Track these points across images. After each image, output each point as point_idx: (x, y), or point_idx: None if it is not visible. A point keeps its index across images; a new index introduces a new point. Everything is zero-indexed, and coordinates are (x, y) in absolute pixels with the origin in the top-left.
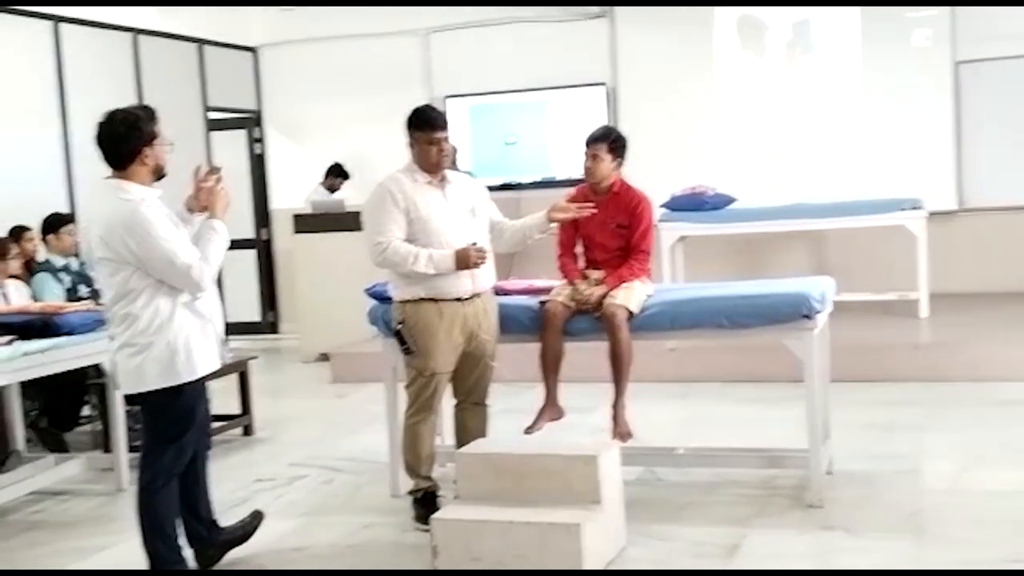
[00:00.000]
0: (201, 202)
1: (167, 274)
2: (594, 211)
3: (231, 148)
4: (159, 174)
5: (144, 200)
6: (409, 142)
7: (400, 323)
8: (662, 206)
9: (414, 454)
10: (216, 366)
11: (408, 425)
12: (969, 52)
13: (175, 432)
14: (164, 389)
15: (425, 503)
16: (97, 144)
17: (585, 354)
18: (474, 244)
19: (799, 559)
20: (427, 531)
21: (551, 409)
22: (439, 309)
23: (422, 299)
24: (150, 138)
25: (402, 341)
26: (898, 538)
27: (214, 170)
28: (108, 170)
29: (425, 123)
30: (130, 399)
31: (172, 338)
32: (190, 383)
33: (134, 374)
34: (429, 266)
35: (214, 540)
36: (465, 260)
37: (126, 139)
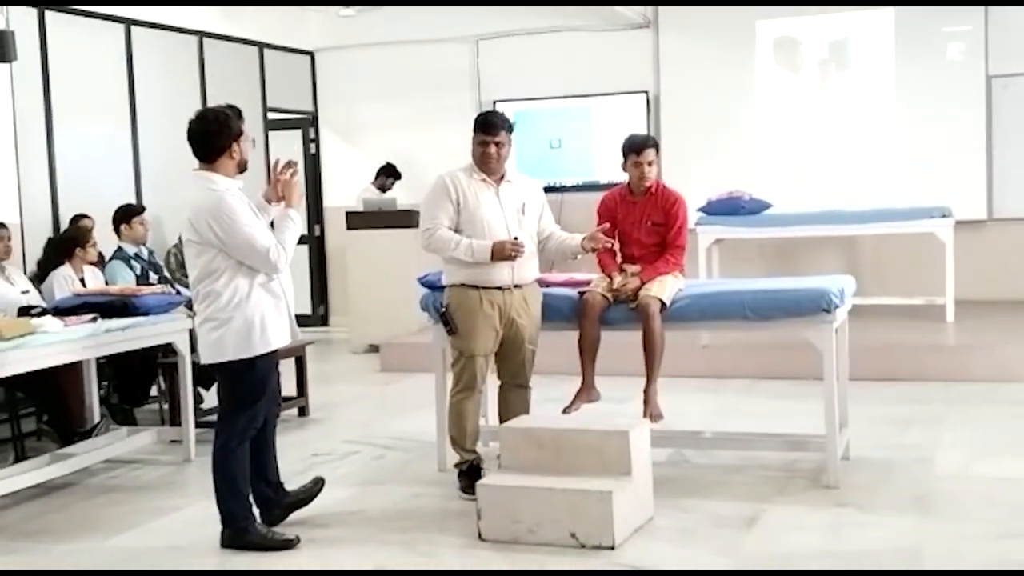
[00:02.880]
0: (278, 193)
1: (247, 256)
2: (611, 241)
3: (288, 148)
4: (243, 168)
5: (229, 190)
6: (473, 141)
7: (445, 306)
8: (700, 210)
9: (459, 428)
10: (287, 341)
11: (453, 402)
12: (1001, 67)
13: (249, 399)
14: (241, 360)
15: (469, 475)
16: (188, 138)
17: (620, 348)
18: (515, 238)
19: (812, 531)
20: (471, 500)
21: (587, 392)
22: (480, 296)
23: (465, 285)
24: (238, 134)
25: (446, 323)
26: (905, 515)
27: (291, 164)
28: (174, 163)
29: (479, 125)
30: (209, 368)
31: (249, 314)
32: (264, 355)
33: (215, 346)
34: (468, 253)
35: (280, 502)
36: (501, 251)
37: (218, 135)
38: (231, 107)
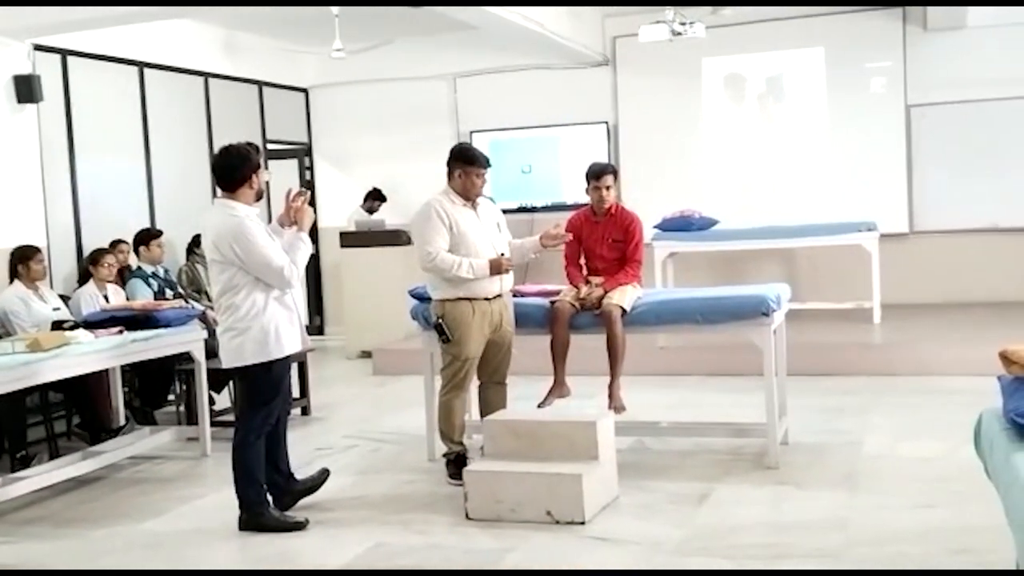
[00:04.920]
0: (290, 218)
1: (263, 273)
2: (569, 238)
3: (285, 175)
4: (259, 196)
5: (247, 216)
6: (456, 173)
7: (440, 318)
8: (655, 227)
9: (448, 423)
10: (298, 348)
11: (443, 401)
12: (919, 98)
13: (265, 399)
14: (258, 364)
15: (456, 463)
16: (213, 170)
17: (587, 350)
18: (502, 254)
19: (755, 505)
20: (459, 485)
21: (559, 388)
22: (472, 307)
23: (459, 298)
24: (256, 167)
25: (441, 332)
26: (835, 490)
27: (302, 192)
28: (183, 192)
29: (470, 160)
30: (230, 372)
31: (265, 324)
32: (278, 360)
33: (235, 352)
34: (469, 272)
35: (290, 489)
36: (497, 267)
37: (240, 167)
38: (251, 144)
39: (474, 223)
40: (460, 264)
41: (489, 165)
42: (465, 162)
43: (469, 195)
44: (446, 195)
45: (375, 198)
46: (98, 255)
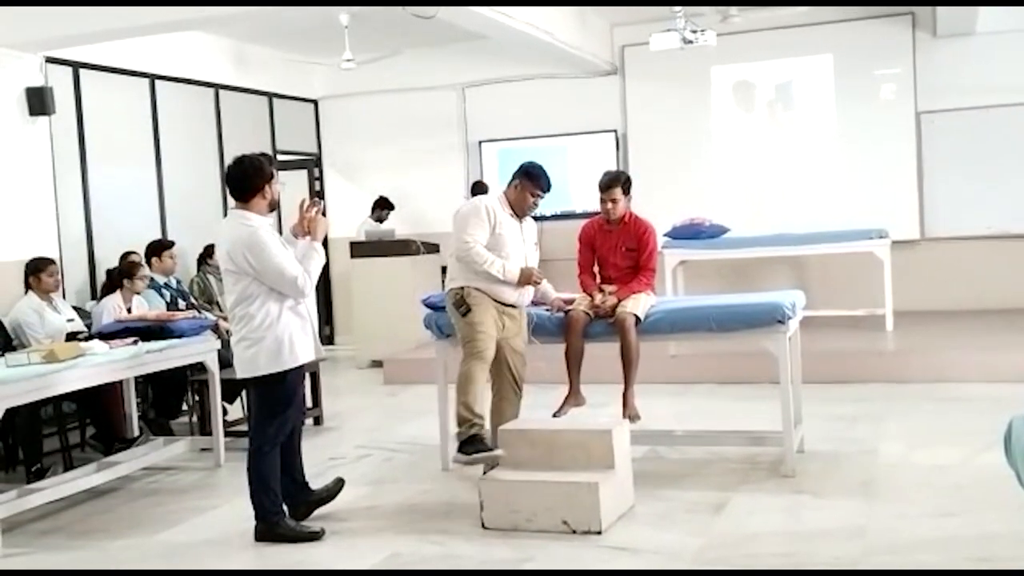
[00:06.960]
0: (304, 228)
1: (277, 283)
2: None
3: (295, 186)
4: (273, 207)
5: (261, 226)
6: (515, 184)
7: (460, 291)
8: (665, 235)
9: (469, 392)
10: (312, 357)
11: (463, 371)
12: (929, 104)
13: (280, 408)
14: (272, 374)
15: (471, 440)
16: (227, 181)
17: (601, 359)
18: (531, 268)
19: (772, 514)
20: (465, 463)
21: (574, 397)
22: (489, 298)
23: (479, 288)
24: (270, 177)
25: (460, 305)
26: (852, 499)
27: (315, 202)
28: (194, 202)
29: (534, 177)
30: (242, 382)
31: (279, 333)
32: (292, 369)
33: (249, 362)
34: (500, 272)
35: (305, 498)
36: (527, 278)
37: (253, 178)
38: (264, 154)
39: (516, 234)
40: (493, 262)
41: (549, 190)
42: (529, 178)
43: (519, 209)
44: (500, 202)
45: (383, 207)
46: (134, 270)
